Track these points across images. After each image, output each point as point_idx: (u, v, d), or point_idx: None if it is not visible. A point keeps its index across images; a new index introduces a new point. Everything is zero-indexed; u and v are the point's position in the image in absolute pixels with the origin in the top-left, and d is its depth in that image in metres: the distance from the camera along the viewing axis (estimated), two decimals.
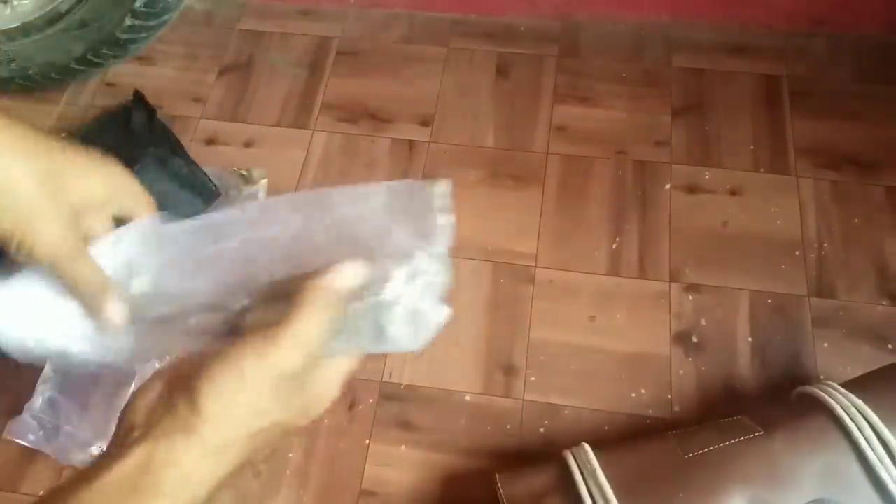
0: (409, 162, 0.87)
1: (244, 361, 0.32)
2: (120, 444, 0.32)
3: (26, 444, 0.69)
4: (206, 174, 0.81)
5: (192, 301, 0.38)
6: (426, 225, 0.36)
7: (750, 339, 0.74)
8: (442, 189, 0.36)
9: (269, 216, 0.39)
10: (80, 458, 0.68)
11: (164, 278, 0.39)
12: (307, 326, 0.33)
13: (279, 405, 0.34)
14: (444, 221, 0.36)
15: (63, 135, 0.87)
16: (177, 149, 0.82)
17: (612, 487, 0.57)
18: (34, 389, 0.71)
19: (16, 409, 0.71)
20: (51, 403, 0.71)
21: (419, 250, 0.36)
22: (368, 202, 0.37)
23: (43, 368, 0.72)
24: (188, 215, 0.83)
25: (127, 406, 0.35)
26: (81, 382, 0.72)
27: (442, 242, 0.36)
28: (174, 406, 0.32)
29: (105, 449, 0.34)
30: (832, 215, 0.81)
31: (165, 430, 0.32)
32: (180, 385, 0.33)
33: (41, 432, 0.69)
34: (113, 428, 0.69)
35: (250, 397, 0.33)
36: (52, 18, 0.89)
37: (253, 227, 0.38)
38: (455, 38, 0.97)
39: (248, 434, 0.33)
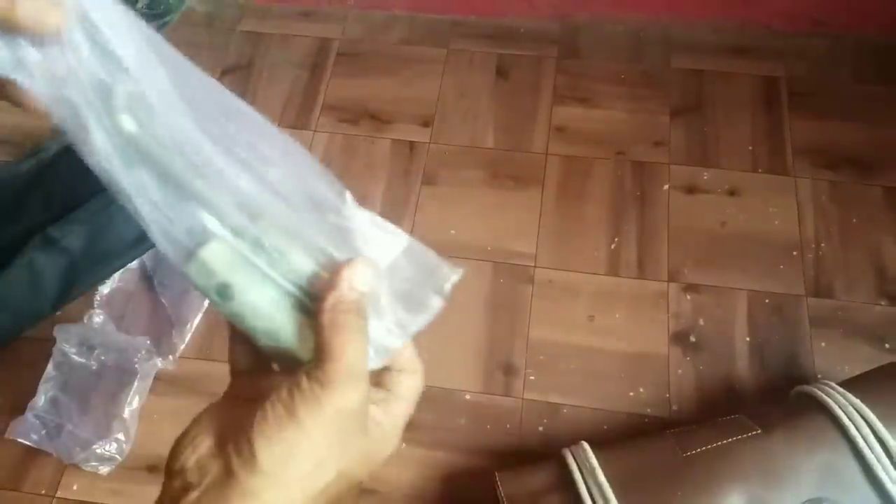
0: (409, 163, 0.87)
1: (298, 408, 0.29)
2: None
3: (29, 444, 0.69)
4: None
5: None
6: (417, 296, 0.33)
7: (748, 339, 0.74)
8: (455, 277, 0.33)
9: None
10: (81, 457, 0.68)
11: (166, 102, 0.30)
12: (352, 356, 0.30)
13: (342, 452, 0.30)
14: (436, 304, 0.33)
15: None
16: None
17: (611, 486, 0.57)
18: (36, 389, 0.72)
19: (19, 409, 0.71)
20: (53, 403, 0.71)
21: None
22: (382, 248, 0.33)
23: (46, 368, 0.73)
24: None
25: (175, 457, 0.31)
26: (84, 382, 0.72)
27: (421, 322, 0.33)
28: (230, 467, 0.29)
29: None
30: (830, 215, 0.81)
31: (223, 496, 0.29)
32: (232, 439, 0.30)
33: (44, 431, 0.70)
34: (115, 426, 0.70)
35: (311, 447, 0.29)
36: None
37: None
38: (455, 39, 0.98)
39: (312, 490, 0.30)
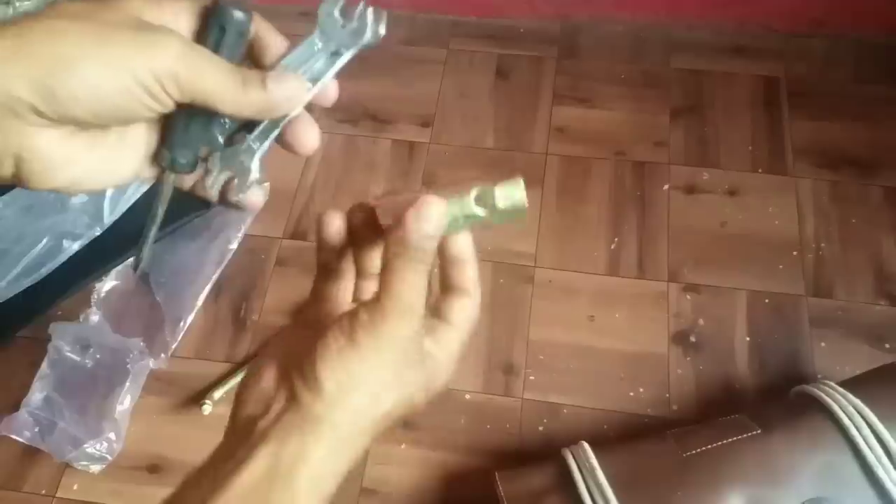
0: (409, 163, 0.87)
1: (359, 336, 0.31)
2: (244, 441, 0.31)
3: (23, 441, 0.69)
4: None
5: None
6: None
7: (748, 339, 0.74)
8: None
9: None
10: (73, 456, 0.68)
11: None
12: (407, 294, 0.32)
13: (398, 381, 0.32)
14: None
15: None
16: None
17: (611, 486, 0.57)
18: (31, 386, 0.72)
19: (13, 406, 0.71)
20: (47, 400, 0.71)
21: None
22: None
23: (40, 366, 0.73)
24: (189, 218, 0.84)
25: (241, 394, 0.33)
26: (78, 380, 0.72)
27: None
28: (295, 394, 0.31)
29: (224, 442, 0.33)
30: (830, 216, 0.81)
31: (291, 423, 0.30)
32: (295, 369, 0.32)
33: (37, 429, 0.70)
34: (106, 425, 0.70)
35: (372, 374, 0.31)
36: None
37: None
38: (455, 39, 0.98)
39: (373, 417, 0.32)
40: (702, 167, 0.85)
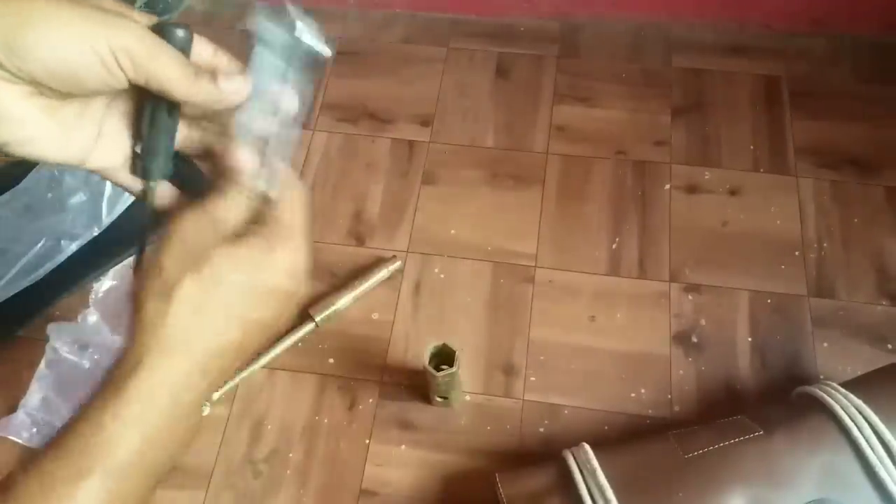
0: (409, 162, 0.87)
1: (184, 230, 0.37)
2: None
3: (21, 442, 0.69)
4: (207, 176, 0.81)
5: None
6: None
7: (750, 339, 0.74)
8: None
9: None
10: None
11: None
12: (227, 210, 0.38)
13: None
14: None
15: None
16: (177, 150, 0.82)
17: (612, 487, 0.57)
18: (29, 387, 0.71)
19: (11, 407, 0.71)
20: (45, 401, 0.71)
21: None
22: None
23: (38, 366, 0.72)
24: None
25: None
26: (76, 381, 0.72)
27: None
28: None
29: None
30: (832, 215, 0.81)
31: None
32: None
33: (34, 430, 0.70)
34: None
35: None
36: None
37: None
38: (455, 38, 0.97)
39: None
40: (703, 167, 0.85)
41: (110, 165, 0.40)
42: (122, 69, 0.34)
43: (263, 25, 0.42)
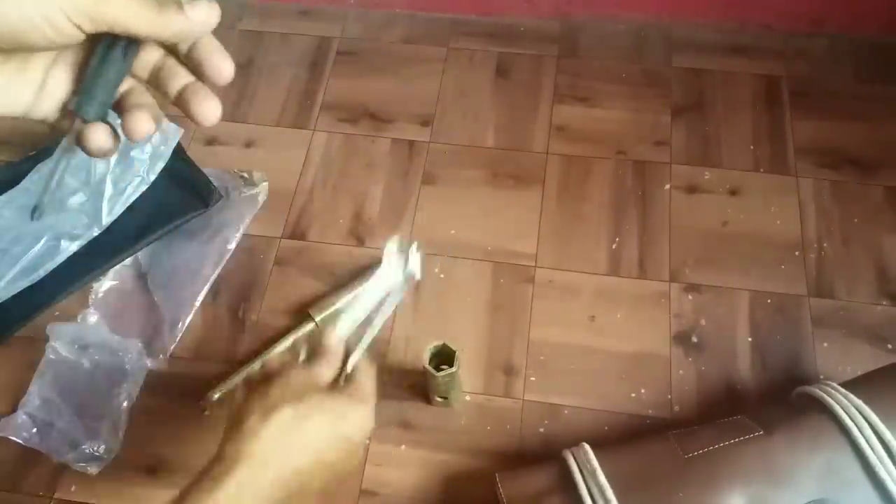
0: (409, 162, 0.87)
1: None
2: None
3: (20, 442, 0.69)
4: (206, 176, 0.81)
5: None
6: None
7: (750, 339, 0.74)
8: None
9: None
10: (71, 457, 0.68)
11: None
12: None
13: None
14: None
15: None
16: (177, 150, 0.82)
17: (613, 487, 0.57)
18: (28, 387, 0.71)
19: (11, 408, 0.71)
20: (45, 401, 0.71)
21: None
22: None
23: (38, 366, 0.72)
24: (187, 218, 0.85)
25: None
26: (75, 381, 0.72)
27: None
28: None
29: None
30: (832, 215, 0.81)
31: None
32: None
33: (34, 430, 0.70)
34: (104, 426, 0.71)
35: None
36: None
37: None
38: (455, 38, 0.97)
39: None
40: (703, 167, 0.85)
41: (56, 116, 0.37)
42: (75, 26, 0.32)
43: (390, 252, 0.55)
